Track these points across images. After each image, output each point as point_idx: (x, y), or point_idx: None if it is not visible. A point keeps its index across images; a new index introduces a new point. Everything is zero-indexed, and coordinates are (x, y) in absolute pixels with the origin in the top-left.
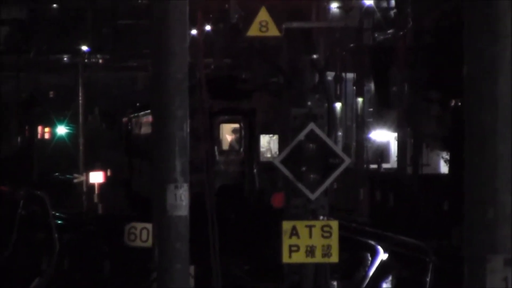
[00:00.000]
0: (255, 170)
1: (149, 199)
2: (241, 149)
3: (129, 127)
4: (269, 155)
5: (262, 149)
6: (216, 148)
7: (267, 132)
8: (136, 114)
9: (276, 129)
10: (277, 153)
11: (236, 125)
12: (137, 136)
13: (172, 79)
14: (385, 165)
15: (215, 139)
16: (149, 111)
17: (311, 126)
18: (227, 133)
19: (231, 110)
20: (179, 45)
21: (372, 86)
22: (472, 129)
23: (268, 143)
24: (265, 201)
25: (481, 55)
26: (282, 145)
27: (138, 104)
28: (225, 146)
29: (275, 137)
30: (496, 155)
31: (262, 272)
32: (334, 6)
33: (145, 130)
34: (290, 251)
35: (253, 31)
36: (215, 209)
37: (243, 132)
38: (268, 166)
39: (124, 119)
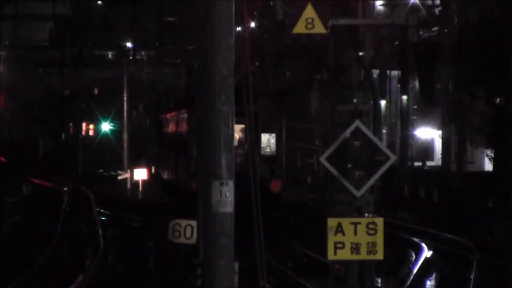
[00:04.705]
0: (257, 162)
1: (175, 185)
2: (246, 145)
3: (162, 125)
4: (268, 150)
5: (262, 145)
6: None
7: (267, 131)
8: (166, 114)
9: (274, 128)
10: (275, 148)
11: (242, 126)
12: (166, 133)
13: (217, 74)
14: (429, 163)
15: None
16: (174, 113)
17: (357, 123)
18: (235, 132)
19: (238, 113)
20: (225, 40)
21: (416, 83)
22: None
23: (268, 140)
24: (265, 186)
25: None
26: (279, 141)
27: (172, 105)
28: (234, 143)
29: (274, 135)
30: None
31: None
32: (378, 3)
33: (172, 128)
34: (335, 248)
35: (299, 28)
36: (260, 205)
37: (247, 131)
38: (267, 158)
39: (159, 118)
